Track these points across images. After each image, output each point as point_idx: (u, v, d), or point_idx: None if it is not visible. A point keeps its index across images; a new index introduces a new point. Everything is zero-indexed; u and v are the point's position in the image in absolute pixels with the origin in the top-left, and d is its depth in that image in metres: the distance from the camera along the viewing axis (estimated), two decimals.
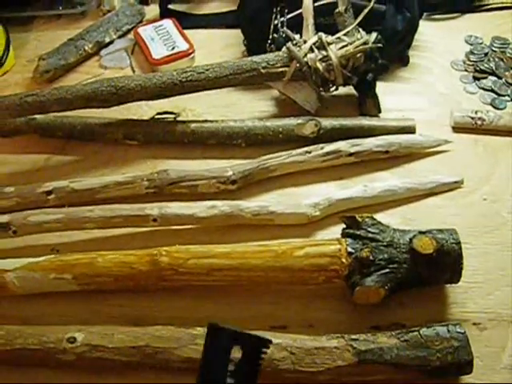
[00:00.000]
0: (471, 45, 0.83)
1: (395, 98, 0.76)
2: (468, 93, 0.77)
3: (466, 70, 0.80)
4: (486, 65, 0.79)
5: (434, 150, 0.69)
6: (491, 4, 0.90)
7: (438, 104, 0.75)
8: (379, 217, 0.62)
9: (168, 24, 0.86)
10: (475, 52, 0.81)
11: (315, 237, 0.62)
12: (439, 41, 0.85)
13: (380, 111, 0.72)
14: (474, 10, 0.89)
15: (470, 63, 0.80)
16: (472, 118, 0.71)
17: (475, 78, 0.78)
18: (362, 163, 0.67)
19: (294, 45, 0.69)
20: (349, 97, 0.75)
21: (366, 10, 0.69)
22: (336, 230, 0.61)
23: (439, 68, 0.81)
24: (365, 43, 0.68)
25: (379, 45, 0.67)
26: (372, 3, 0.69)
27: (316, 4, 0.73)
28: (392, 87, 0.77)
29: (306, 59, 0.68)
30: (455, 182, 0.65)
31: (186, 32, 0.86)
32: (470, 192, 0.65)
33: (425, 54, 0.83)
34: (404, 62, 0.80)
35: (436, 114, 0.74)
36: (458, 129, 0.72)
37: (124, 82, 0.67)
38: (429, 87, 0.78)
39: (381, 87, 0.73)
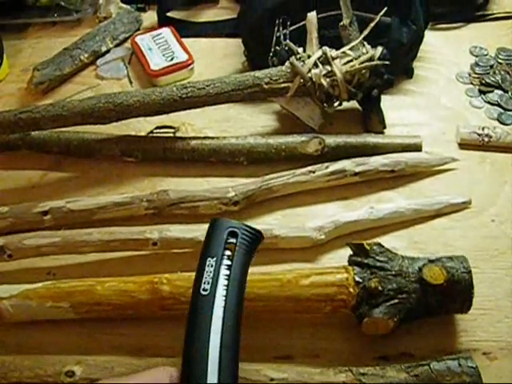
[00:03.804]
0: (476, 56, 0.82)
1: (400, 112, 0.74)
2: (474, 107, 0.75)
3: (471, 83, 0.78)
4: (491, 78, 0.78)
5: (441, 168, 0.67)
6: (495, 13, 0.88)
7: (444, 119, 0.74)
8: (385, 239, 0.62)
9: (166, 33, 0.84)
10: (480, 64, 0.80)
11: (320, 260, 0.60)
12: (444, 51, 0.83)
13: (385, 127, 0.71)
14: (479, 19, 0.88)
15: (476, 76, 0.79)
16: (479, 135, 0.69)
17: (481, 92, 0.77)
18: (367, 182, 0.66)
19: (297, 59, 0.67)
20: (352, 111, 0.73)
21: (372, 25, 0.67)
22: (341, 254, 0.60)
23: (444, 80, 0.79)
24: (371, 58, 0.66)
25: (386, 62, 0.65)
26: (378, 17, 0.67)
27: (319, 16, 0.71)
28: (396, 101, 0.76)
29: (310, 75, 0.66)
30: (463, 203, 0.64)
31: (185, 41, 0.84)
32: (478, 213, 0.64)
33: (429, 66, 0.81)
34: (408, 74, 0.78)
35: (441, 130, 0.72)
36: (464, 145, 0.70)
37: (122, 98, 0.64)
38: (434, 101, 0.76)
39: (385, 101, 0.72)
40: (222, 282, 0.42)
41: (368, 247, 0.54)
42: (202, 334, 0.40)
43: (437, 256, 0.54)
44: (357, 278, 0.52)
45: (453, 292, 0.52)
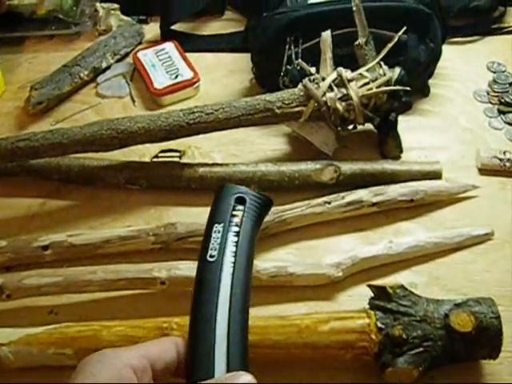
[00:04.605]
0: (494, 72, 0.78)
1: (416, 134, 0.71)
2: (493, 128, 0.72)
3: (490, 102, 0.75)
4: (511, 96, 0.74)
5: (461, 195, 0.64)
6: None
7: (462, 141, 0.70)
8: (404, 275, 0.59)
9: (170, 48, 0.80)
10: (499, 81, 0.76)
11: (337, 298, 0.57)
12: (460, 67, 0.80)
13: (402, 151, 0.68)
14: (495, 32, 0.84)
15: (494, 94, 0.75)
16: (500, 160, 0.66)
17: (500, 112, 0.73)
18: (384, 212, 0.62)
19: (311, 81, 0.63)
20: (367, 132, 0.70)
21: (390, 45, 0.64)
22: (359, 291, 0.57)
23: (461, 99, 0.76)
24: (388, 81, 0.63)
25: (407, 88, 0.62)
26: (397, 37, 0.64)
27: (332, 34, 0.67)
28: (412, 122, 0.72)
29: (324, 98, 0.62)
30: (485, 234, 0.61)
31: (190, 56, 0.80)
32: (501, 245, 0.61)
33: (445, 83, 0.77)
34: (425, 92, 0.75)
35: (460, 153, 0.69)
36: (484, 170, 0.67)
37: (126, 124, 0.61)
38: (451, 121, 0.73)
39: (400, 122, 0.68)
40: (230, 248, 0.40)
41: (391, 290, 0.50)
42: (210, 301, 0.38)
43: (463, 298, 0.51)
44: (379, 324, 0.49)
45: (481, 339, 0.48)
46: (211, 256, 0.40)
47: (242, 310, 0.39)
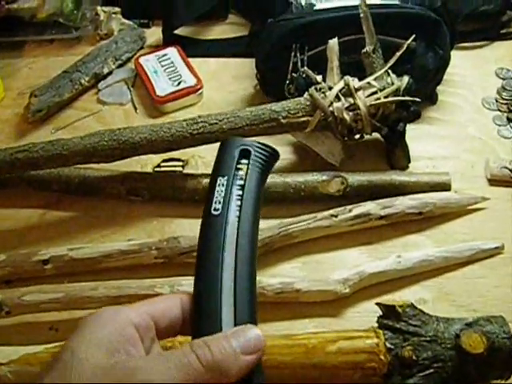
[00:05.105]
0: (503, 79, 0.77)
1: (424, 143, 0.69)
2: (502, 137, 0.70)
3: (499, 110, 0.73)
4: None
5: (470, 207, 0.63)
6: None
7: (471, 150, 0.69)
8: (413, 290, 0.58)
9: (172, 53, 0.78)
10: (507, 88, 0.75)
11: (344, 315, 0.56)
12: (468, 73, 0.78)
13: (409, 161, 0.66)
14: (504, 37, 0.82)
15: (503, 102, 0.74)
16: (510, 170, 0.65)
17: (509, 120, 0.72)
18: (392, 225, 0.61)
19: (317, 90, 0.62)
20: (374, 142, 0.68)
21: (398, 54, 0.62)
22: (367, 307, 0.56)
23: (469, 106, 0.74)
24: (396, 91, 0.61)
25: (416, 99, 0.61)
26: (405, 45, 0.62)
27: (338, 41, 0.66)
28: (420, 130, 0.71)
29: (331, 108, 0.61)
30: (495, 248, 0.59)
31: (192, 61, 0.78)
32: (511, 259, 0.59)
33: (453, 90, 0.76)
34: (432, 100, 0.73)
35: (469, 163, 0.68)
36: (494, 181, 0.65)
37: (127, 135, 0.59)
38: (459, 130, 0.71)
39: (408, 131, 0.66)
40: (235, 202, 0.39)
41: (400, 309, 0.49)
42: (215, 255, 0.37)
43: (473, 317, 0.50)
44: (388, 345, 0.48)
45: (493, 360, 0.47)
46: (215, 209, 0.39)
47: (249, 262, 0.38)
